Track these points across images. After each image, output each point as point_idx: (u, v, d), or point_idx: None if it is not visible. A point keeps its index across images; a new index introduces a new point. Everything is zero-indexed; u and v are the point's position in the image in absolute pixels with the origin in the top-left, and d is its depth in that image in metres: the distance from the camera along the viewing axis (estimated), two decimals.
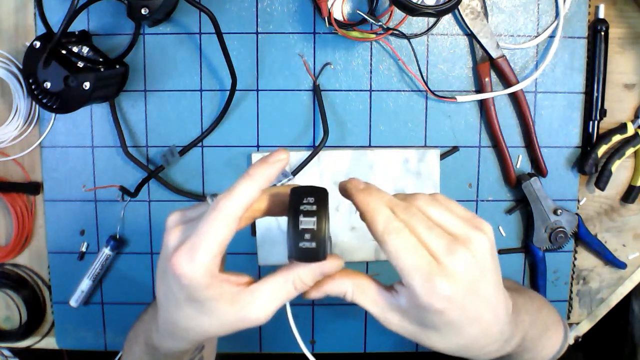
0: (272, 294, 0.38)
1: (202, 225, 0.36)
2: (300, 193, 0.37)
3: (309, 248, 0.35)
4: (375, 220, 0.37)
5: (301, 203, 0.36)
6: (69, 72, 0.58)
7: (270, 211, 0.40)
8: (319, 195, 0.37)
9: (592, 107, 0.69)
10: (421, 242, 0.36)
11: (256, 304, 0.37)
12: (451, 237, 0.37)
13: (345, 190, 0.41)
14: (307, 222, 0.35)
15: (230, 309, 0.37)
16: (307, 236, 0.35)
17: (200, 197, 0.70)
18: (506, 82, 0.68)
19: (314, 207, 0.36)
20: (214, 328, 0.38)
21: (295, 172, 0.67)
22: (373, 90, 0.69)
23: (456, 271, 0.36)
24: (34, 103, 0.69)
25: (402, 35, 0.67)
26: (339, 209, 0.68)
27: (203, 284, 0.36)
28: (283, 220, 0.68)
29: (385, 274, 0.41)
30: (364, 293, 0.40)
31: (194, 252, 0.35)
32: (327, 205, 0.37)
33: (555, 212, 0.69)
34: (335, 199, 0.67)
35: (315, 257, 0.36)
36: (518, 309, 0.43)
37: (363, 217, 0.38)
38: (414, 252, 0.36)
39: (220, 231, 0.35)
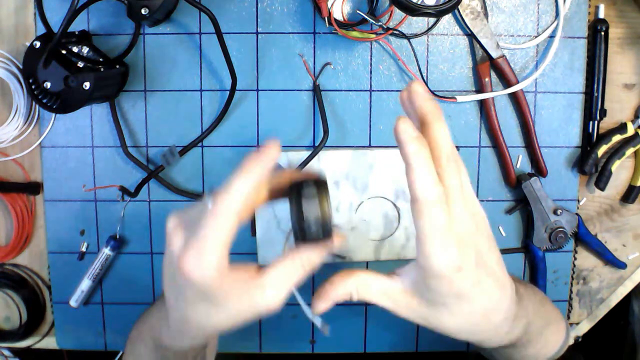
0: (282, 278, 0.39)
1: (204, 225, 0.36)
2: (299, 181, 0.39)
3: (315, 231, 0.38)
4: (418, 189, 0.35)
5: (302, 188, 0.38)
6: (69, 72, 0.58)
7: (269, 199, 0.41)
8: (318, 181, 0.39)
9: (592, 107, 0.69)
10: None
11: (267, 291, 0.38)
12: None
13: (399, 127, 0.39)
14: (311, 208, 0.37)
15: (243, 300, 0.38)
16: (312, 220, 0.37)
17: (200, 197, 0.70)
18: (506, 82, 0.68)
19: (315, 191, 0.38)
20: (228, 321, 0.39)
21: None
22: (373, 90, 0.69)
23: (465, 236, 0.36)
24: (34, 103, 0.69)
25: (402, 35, 0.67)
26: (339, 209, 0.68)
27: (215, 282, 0.36)
28: (283, 221, 0.67)
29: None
30: (368, 288, 0.40)
31: (201, 253, 0.36)
32: (327, 188, 0.39)
33: (555, 212, 0.69)
34: (335, 199, 0.68)
35: (322, 237, 0.38)
36: (521, 294, 0.44)
37: (408, 171, 0.36)
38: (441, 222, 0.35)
39: (223, 229, 0.36)
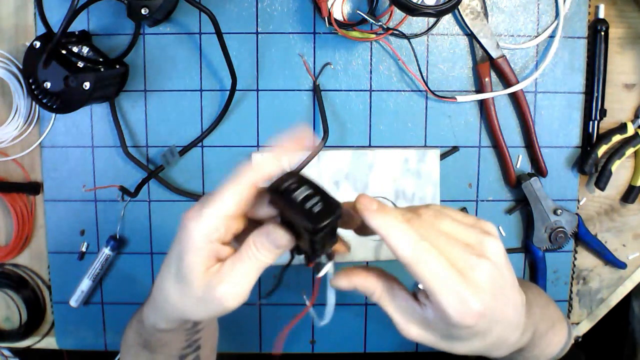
0: (238, 273, 0.37)
1: (218, 188, 0.37)
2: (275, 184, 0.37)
3: (319, 208, 0.35)
4: (402, 244, 0.35)
5: (282, 184, 0.36)
6: (69, 72, 0.58)
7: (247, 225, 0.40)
8: (290, 173, 0.37)
9: (592, 107, 0.69)
10: (446, 259, 0.36)
11: (225, 282, 0.37)
12: (468, 247, 0.37)
13: (352, 211, 0.39)
14: (301, 192, 0.35)
15: (200, 282, 0.37)
16: (314, 200, 0.35)
17: (200, 197, 0.70)
18: (506, 82, 0.68)
19: (295, 178, 0.36)
20: (186, 304, 0.38)
21: None
22: (373, 90, 0.69)
23: (483, 284, 0.36)
24: (34, 103, 0.69)
25: (402, 35, 0.67)
26: None
27: (194, 243, 0.36)
28: None
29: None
30: (391, 298, 0.39)
31: (202, 209, 0.36)
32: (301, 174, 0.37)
33: (555, 212, 0.69)
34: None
35: (331, 211, 0.35)
36: (530, 301, 0.44)
37: (384, 240, 0.36)
38: (446, 274, 0.35)
39: (231, 196, 0.36)
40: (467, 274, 0.36)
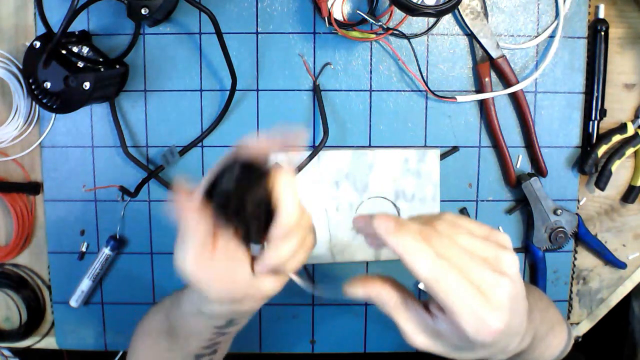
0: (184, 243, 0.40)
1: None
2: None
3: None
4: (419, 263, 0.35)
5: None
6: (69, 72, 0.58)
7: None
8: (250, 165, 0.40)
9: (592, 107, 0.69)
10: (465, 277, 0.35)
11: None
12: (486, 262, 0.37)
13: (365, 228, 0.39)
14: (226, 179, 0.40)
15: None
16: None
17: None
18: (506, 82, 0.68)
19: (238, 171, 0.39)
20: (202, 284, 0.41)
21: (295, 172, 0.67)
22: (373, 90, 0.69)
23: (502, 303, 0.35)
24: (34, 103, 0.69)
25: (402, 35, 0.67)
26: (339, 208, 0.68)
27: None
28: None
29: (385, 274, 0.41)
30: (404, 310, 0.39)
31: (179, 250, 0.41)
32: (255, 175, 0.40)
33: (555, 212, 0.69)
34: (335, 199, 0.68)
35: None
36: (531, 306, 0.44)
37: (402, 258, 0.36)
38: (465, 293, 0.35)
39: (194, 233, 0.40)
40: (486, 292, 0.35)
